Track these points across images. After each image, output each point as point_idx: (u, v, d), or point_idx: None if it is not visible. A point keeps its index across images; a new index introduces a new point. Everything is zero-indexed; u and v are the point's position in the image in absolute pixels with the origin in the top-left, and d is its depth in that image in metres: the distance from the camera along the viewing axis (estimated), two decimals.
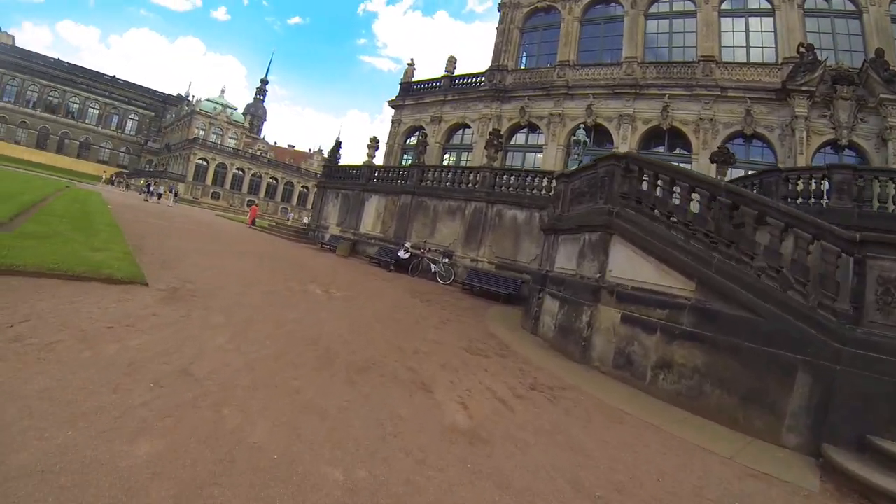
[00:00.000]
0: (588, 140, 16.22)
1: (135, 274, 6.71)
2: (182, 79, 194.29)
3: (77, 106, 74.89)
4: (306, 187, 71.47)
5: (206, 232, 18.94)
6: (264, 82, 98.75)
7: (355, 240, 20.85)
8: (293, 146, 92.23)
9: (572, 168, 12.05)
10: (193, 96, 75.81)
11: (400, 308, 9.44)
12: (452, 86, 25.53)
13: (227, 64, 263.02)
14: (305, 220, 43.59)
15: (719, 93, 18.15)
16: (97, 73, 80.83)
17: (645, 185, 7.54)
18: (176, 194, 42.19)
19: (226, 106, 76.28)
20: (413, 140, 26.62)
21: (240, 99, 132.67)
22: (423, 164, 19.54)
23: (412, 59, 27.59)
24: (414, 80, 27.74)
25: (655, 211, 7.09)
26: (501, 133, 19.83)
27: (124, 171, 70.69)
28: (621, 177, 7.68)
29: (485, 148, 17.54)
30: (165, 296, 6.28)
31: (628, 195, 7.54)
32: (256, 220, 30.20)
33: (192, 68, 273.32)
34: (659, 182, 7.37)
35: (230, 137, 74.51)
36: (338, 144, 24.21)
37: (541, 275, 9.73)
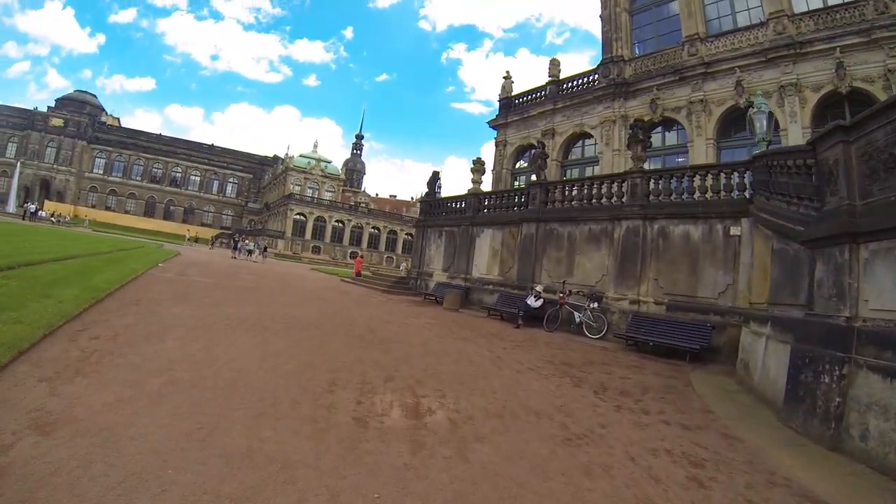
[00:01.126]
0: (766, 104, 11.92)
1: None
2: (282, 144, 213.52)
3: (180, 175, 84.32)
4: (410, 234, 71.41)
5: (263, 288, 15.71)
6: (359, 137, 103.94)
7: (467, 287, 17.65)
8: (395, 196, 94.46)
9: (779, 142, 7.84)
10: (288, 154, 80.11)
11: (578, 446, 4.33)
12: (560, 92, 22.07)
13: (324, 126, 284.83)
14: None
15: None
16: (196, 143, 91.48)
17: None
18: (265, 250, 42.54)
19: (319, 160, 79.70)
20: (523, 163, 23.56)
21: (338, 157, 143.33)
22: (544, 180, 16.03)
23: (508, 72, 24.67)
24: (514, 93, 24.70)
25: None
26: (644, 123, 15.75)
27: (227, 231, 76.08)
28: None
29: (628, 147, 13.76)
30: None
31: None
32: (362, 272, 28.18)
33: (291, 133, 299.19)
34: None
35: (327, 191, 77.52)
36: (435, 176, 21.48)
37: (832, 328, 5.20)
